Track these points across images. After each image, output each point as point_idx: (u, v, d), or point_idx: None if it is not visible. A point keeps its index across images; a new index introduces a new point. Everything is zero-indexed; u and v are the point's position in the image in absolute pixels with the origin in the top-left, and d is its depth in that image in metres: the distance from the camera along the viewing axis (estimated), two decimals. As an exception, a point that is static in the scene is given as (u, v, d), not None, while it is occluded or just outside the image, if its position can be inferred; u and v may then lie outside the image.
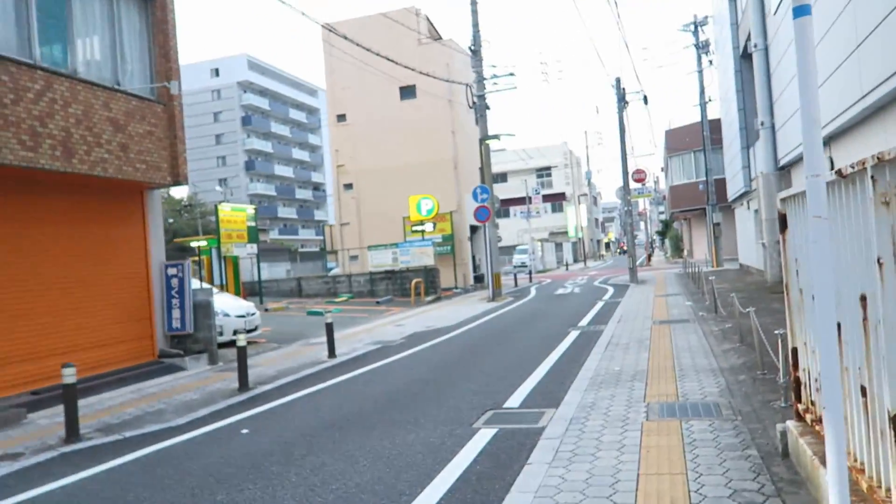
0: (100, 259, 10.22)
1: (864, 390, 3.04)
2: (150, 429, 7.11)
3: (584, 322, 13.80)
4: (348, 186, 29.69)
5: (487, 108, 23.86)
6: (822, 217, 2.59)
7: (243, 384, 9.01)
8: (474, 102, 22.50)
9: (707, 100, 30.57)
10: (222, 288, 20.76)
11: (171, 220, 61.23)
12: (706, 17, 29.99)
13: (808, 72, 2.61)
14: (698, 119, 32.84)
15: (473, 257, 29.32)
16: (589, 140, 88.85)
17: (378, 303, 22.60)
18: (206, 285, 14.62)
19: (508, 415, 6.58)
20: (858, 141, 10.08)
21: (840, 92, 9.85)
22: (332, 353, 11.39)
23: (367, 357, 11.25)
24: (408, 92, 28.61)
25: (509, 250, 61.28)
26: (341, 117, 29.75)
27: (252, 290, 26.73)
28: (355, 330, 15.68)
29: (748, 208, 23.55)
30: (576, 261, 59.90)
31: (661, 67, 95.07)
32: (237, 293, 22.01)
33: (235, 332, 12.89)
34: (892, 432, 2.69)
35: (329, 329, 11.47)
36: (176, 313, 11.24)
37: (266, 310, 20.67)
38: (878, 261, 2.68)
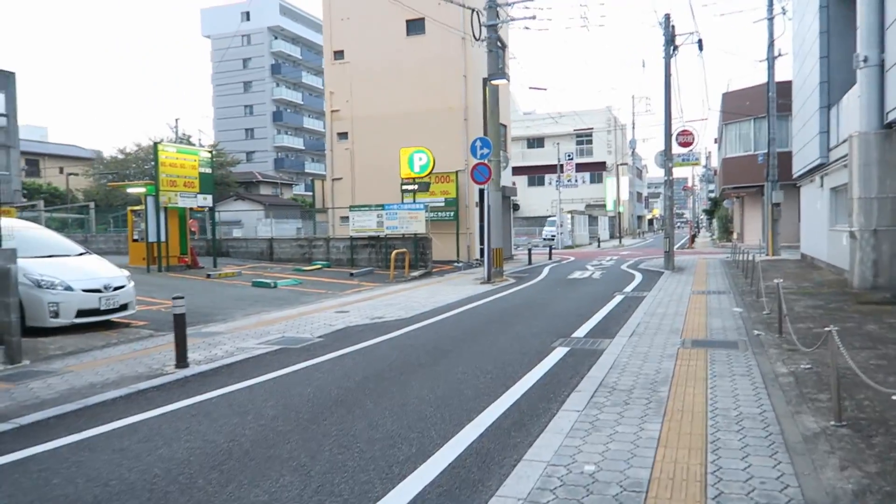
0: None
1: None
2: None
3: (582, 330, 9.59)
4: (342, 136, 25.63)
5: (503, 45, 19.42)
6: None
7: (-63, 426, 5.16)
8: (484, 35, 18.00)
9: (776, 54, 25.34)
10: (159, 246, 17.19)
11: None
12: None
13: None
14: (762, 81, 27.63)
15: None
16: (636, 106, 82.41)
17: (352, 275, 18.67)
18: (70, 242, 10.89)
19: None
20: None
21: None
22: (181, 361, 7.50)
23: (230, 372, 7.33)
24: (416, 26, 24.21)
25: (541, 221, 56.66)
26: (338, 54, 25.53)
27: (218, 249, 23.25)
28: (281, 315, 11.80)
29: (821, 185, 18.72)
30: (611, 237, 55.07)
31: (722, 16, 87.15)
32: (183, 252, 18.44)
33: (82, 314, 9.16)
34: None
35: (179, 324, 7.55)
36: (-51, 285, 7.44)
37: (208, 276, 16.94)
38: None
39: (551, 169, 54.27)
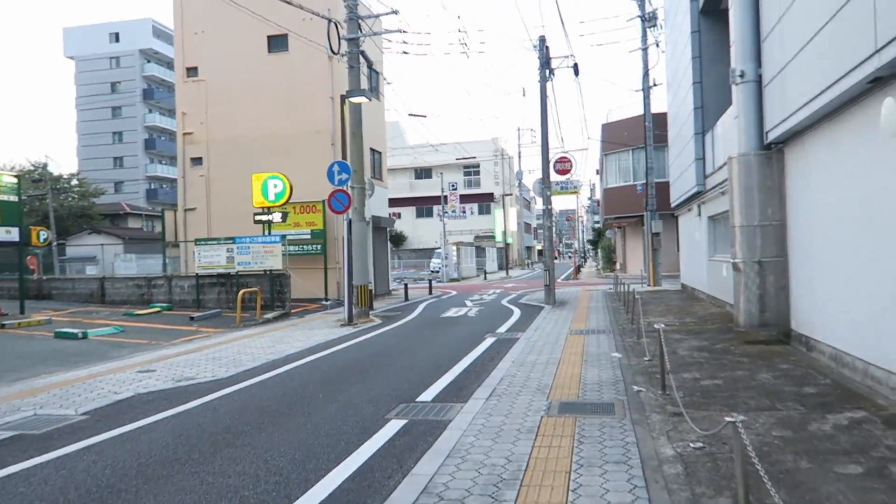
0: None
1: None
2: None
3: (433, 390, 7.76)
4: (197, 161, 22.96)
5: (368, 62, 17.72)
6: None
7: None
8: (344, 48, 16.21)
9: (651, 83, 25.29)
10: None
11: (46, 200, 52.52)
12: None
13: None
14: (640, 112, 27.64)
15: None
16: (522, 137, 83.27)
17: (192, 319, 16.07)
18: None
19: None
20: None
21: None
22: None
23: None
24: (278, 42, 22.16)
25: (430, 253, 55.21)
26: (192, 71, 22.98)
27: (39, 291, 19.90)
28: (63, 378, 9.23)
29: (698, 214, 18.18)
30: (500, 268, 54.48)
31: (599, 46, 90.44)
32: (-22, 297, 15.13)
33: None
34: None
35: None
36: None
37: (2, 326, 13.84)
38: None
39: (439, 200, 53.19)
